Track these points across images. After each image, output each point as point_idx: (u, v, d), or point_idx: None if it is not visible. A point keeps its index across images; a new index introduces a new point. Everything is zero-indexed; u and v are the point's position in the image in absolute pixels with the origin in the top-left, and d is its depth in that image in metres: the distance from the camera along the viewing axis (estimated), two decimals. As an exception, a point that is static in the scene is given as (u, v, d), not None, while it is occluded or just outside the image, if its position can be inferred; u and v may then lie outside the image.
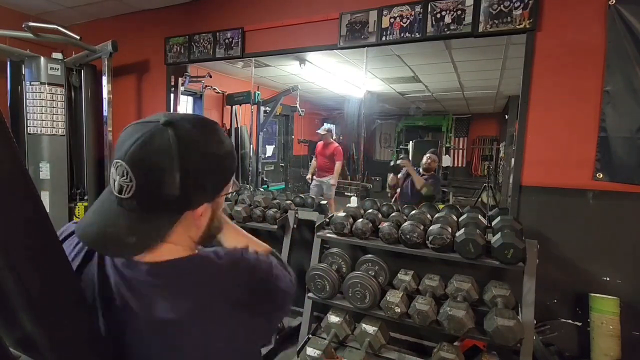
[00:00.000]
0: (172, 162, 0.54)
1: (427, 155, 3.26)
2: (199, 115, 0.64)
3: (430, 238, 1.94)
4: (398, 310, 1.89)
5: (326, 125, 4.30)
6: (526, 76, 2.15)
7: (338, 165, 4.09)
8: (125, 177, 0.54)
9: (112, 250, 0.60)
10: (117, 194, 0.56)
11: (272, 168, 4.51)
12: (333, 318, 2.15)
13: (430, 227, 1.99)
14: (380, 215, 2.33)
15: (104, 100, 3.10)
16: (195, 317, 0.58)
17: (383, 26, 2.49)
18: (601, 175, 2.01)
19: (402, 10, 2.42)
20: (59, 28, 2.81)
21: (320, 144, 4.26)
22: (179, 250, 0.62)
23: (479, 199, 3.54)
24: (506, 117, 3.51)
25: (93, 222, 0.60)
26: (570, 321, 2.11)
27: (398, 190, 3.45)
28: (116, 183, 0.56)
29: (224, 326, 0.60)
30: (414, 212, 2.23)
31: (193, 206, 0.60)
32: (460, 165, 4.76)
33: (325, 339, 2.07)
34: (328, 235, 2.28)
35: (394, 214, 2.29)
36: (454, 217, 2.14)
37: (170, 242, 0.61)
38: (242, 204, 2.63)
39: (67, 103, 3.17)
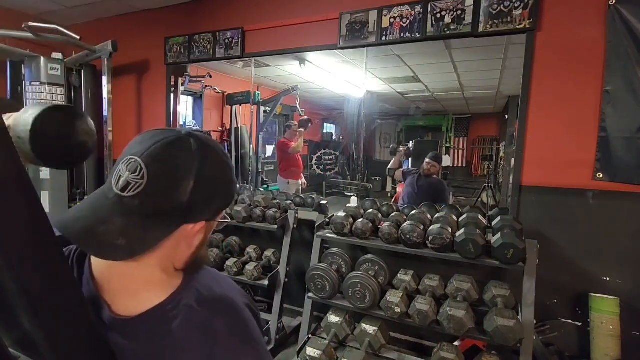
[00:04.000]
0: (191, 167, 0.54)
1: (427, 160, 3.19)
2: (214, 139, 0.65)
3: (430, 238, 1.94)
4: (398, 310, 1.89)
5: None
6: (526, 76, 2.14)
7: None
8: (137, 174, 0.53)
9: (97, 249, 0.55)
10: (119, 191, 0.54)
11: (272, 168, 4.51)
12: (333, 318, 2.15)
13: (430, 227, 1.99)
14: (380, 215, 2.34)
15: (104, 100, 3.10)
16: None
17: (383, 26, 2.49)
18: (601, 175, 2.01)
19: (402, 10, 2.42)
20: (59, 28, 2.81)
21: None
22: (159, 283, 0.60)
23: (479, 199, 3.55)
24: (506, 117, 3.52)
25: (81, 217, 0.56)
26: (570, 321, 2.11)
27: (399, 190, 3.45)
28: (122, 179, 0.54)
29: None
30: (414, 212, 2.23)
31: (194, 219, 0.58)
32: (460, 165, 4.77)
33: (325, 339, 2.07)
34: (328, 235, 2.28)
35: (394, 214, 2.29)
36: (454, 217, 2.14)
37: (153, 260, 0.58)
38: (242, 204, 2.63)
39: (67, 103, 3.17)
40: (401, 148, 3.67)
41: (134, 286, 0.60)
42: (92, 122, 0.78)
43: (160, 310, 0.58)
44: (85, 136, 0.75)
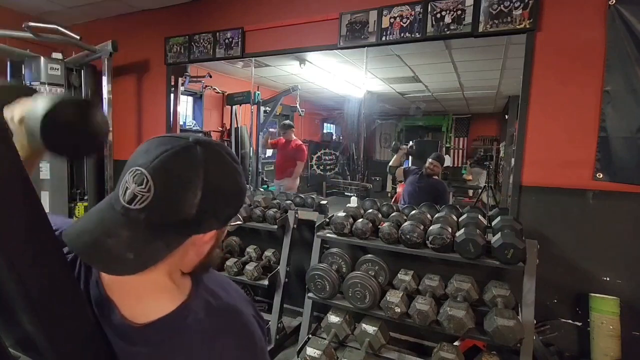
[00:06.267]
0: (198, 179, 0.52)
1: (430, 160, 3.19)
2: (224, 144, 0.63)
3: (430, 238, 1.94)
4: (398, 310, 1.89)
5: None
6: (526, 76, 2.14)
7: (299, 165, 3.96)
8: (143, 186, 0.51)
9: (104, 264, 0.54)
10: (125, 204, 0.51)
11: (272, 168, 4.50)
12: (333, 318, 2.15)
13: (430, 227, 1.99)
14: (380, 215, 2.33)
15: (104, 100, 3.10)
16: None
17: (383, 26, 2.49)
18: (601, 175, 2.00)
19: (402, 10, 2.42)
20: (59, 28, 2.81)
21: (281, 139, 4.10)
22: (166, 290, 0.59)
23: (479, 199, 3.55)
24: (506, 117, 3.52)
25: (88, 229, 0.54)
26: (570, 321, 2.11)
27: (399, 190, 3.45)
28: (128, 191, 0.51)
29: None
30: (414, 212, 2.23)
31: (204, 230, 0.57)
32: (460, 165, 4.76)
33: (325, 339, 2.07)
34: (328, 235, 2.28)
35: (394, 214, 2.29)
36: (454, 217, 2.14)
37: (161, 268, 0.57)
38: (242, 204, 2.63)
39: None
40: (403, 146, 3.68)
41: (140, 292, 0.59)
42: (103, 112, 0.77)
43: (170, 320, 0.58)
44: (99, 127, 0.73)
